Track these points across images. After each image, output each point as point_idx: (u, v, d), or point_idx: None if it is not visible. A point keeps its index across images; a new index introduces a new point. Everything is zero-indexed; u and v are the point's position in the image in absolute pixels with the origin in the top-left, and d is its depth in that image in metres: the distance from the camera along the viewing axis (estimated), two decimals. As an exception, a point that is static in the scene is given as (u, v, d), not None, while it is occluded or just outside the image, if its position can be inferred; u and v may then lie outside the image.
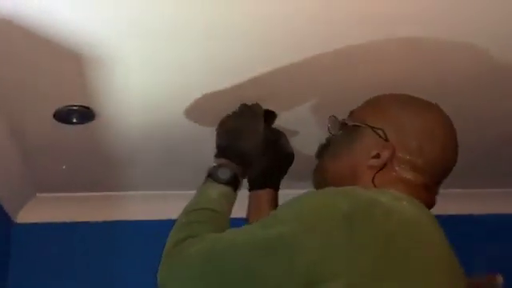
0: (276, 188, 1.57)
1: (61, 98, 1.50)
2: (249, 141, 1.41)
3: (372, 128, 1.25)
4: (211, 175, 1.33)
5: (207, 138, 1.44)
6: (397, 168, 1.21)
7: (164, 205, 2.09)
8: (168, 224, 2.06)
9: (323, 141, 1.38)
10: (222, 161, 1.36)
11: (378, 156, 1.22)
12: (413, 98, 1.30)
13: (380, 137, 1.24)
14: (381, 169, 1.21)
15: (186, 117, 1.60)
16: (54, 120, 1.56)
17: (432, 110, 1.27)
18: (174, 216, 2.02)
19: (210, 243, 1.14)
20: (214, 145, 1.43)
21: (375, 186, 1.20)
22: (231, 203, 1.33)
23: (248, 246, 1.09)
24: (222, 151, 1.39)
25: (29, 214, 2.12)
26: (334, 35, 1.30)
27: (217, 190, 1.31)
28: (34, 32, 1.21)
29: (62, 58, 1.32)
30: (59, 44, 1.26)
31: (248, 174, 1.41)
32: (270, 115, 1.57)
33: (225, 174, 1.33)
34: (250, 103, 1.48)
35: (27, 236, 2.11)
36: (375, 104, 1.32)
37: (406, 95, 1.31)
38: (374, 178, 1.21)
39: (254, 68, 1.41)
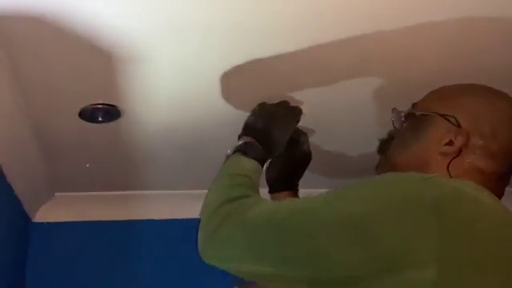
0: (295, 189, 1.57)
1: (87, 97, 1.48)
2: (280, 133, 1.42)
3: (443, 116, 1.23)
4: (241, 150, 1.34)
5: (228, 138, 1.43)
6: (471, 155, 1.19)
7: (183, 204, 2.09)
8: (187, 223, 2.08)
9: (384, 136, 1.37)
10: (251, 139, 1.36)
11: (451, 143, 1.20)
12: (481, 86, 1.28)
13: (452, 124, 1.22)
14: (455, 157, 1.19)
15: (209, 117, 1.60)
16: (79, 119, 1.54)
17: (503, 97, 1.26)
18: (192, 215, 2.04)
19: (275, 207, 1.13)
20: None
21: (450, 175, 1.17)
22: (259, 177, 1.33)
23: (327, 220, 1.05)
24: (253, 131, 1.39)
25: (47, 213, 2.11)
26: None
27: (250, 163, 1.32)
28: (64, 29, 1.19)
29: (91, 56, 1.30)
30: (89, 41, 1.24)
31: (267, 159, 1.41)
32: None
33: (256, 150, 1.34)
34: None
35: (45, 235, 2.10)
36: (442, 93, 1.30)
37: (473, 84, 1.28)
38: (448, 167, 1.18)
39: (282, 67, 1.40)
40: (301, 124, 1.53)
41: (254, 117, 1.43)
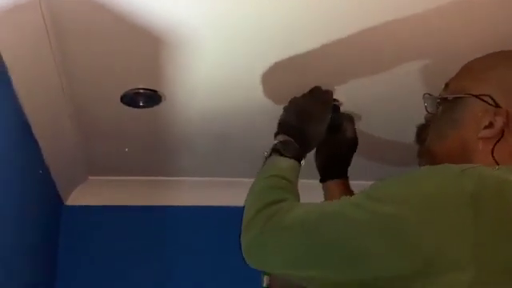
0: (344, 177, 1.54)
1: (129, 81, 1.48)
2: (315, 127, 1.40)
3: (476, 96, 1.14)
4: (278, 150, 1.33)
5: (264, 128, 1.43)
6: None
7: (217, 191, 2.10)
8: (219, 211, 2.10)
9: (421, 122, 1.29)
10: (286, 137, 1.36)
11: (490, 125, 1.11)
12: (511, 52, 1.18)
13: (488, 104, 1.12)
14: (499, 140, 1.09)
15: (248, 106, 1.60)
16: (120, 103, 1.54)
17: None
18: (225, 203, 2.06)
19: (311, 210, 1.11)
20: (276, 126, 1.41)
21: (496, 161, 1.07)
22: (298, 176, 1.33)
23: (362, 221, 1.00)
24: (287, 129, 1.38)
25: (79, 197, 2.12)
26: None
27: (287, 162, 1.31)
28: (112, 11, 1.19)
29: (137, 40, 1.30)
30: (136, 25, 1.24)
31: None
32: (334, 106, 1.56)
33: (292, 149, 1.33)
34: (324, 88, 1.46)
35: (77, 218, 2.11)
36: (472, 69, 1.21)
37: (502, 51, 1.19)
38: (493, 153, 1.08)
39: (324, 59, 1.38)
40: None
41: (286, 114, 1.42)
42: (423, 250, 0.92)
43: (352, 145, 1.55)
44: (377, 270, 0.97)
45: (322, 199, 1.51)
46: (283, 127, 1.40)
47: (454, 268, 0.90)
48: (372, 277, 0.99)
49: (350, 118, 1.55)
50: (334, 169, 1.54)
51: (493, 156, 1.09)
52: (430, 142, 1.23)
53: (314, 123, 1.40)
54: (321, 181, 1.54)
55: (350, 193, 1.49)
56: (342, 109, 1.58)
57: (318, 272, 1.06)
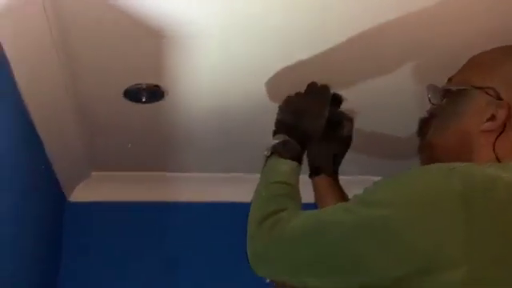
0: (334, 175, 1.54)
1: (132, 76, 1.48)
2: (312, 123, 1.39)
3: (480, 88, 1.14)
4: (277, 151, 1.33)
5: (267, 124, 1.43)
6: None
7: (219, 187, 2.09)
8: (222, 207, 2.10)
9: (424, 115, 1.29)
10: (285, 137, 1.35)
11: (493, 118, 1.10)
12: None
13: (491, 96, 1.12)
14: (500, 133, 1.09)
15: (249, 103, 1.60)
16: (123, 98, 1.54)
17: None
18: (227, 199, 2.06)
19: (307, 220, 1.11)
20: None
21: (497, 155, 1.08)
22: (298, 177, 1.33)
23: (354, 227, 1.02)
24: (285, 129, 1.38)
25: (82, 193, 2.11)
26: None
27: (286, 165, 1.31)
28: (115, 6, 1.19)
29: (140, 35, 1.30)
30: (140, 20, 1.24)
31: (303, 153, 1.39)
32: (336, 99, 1.55)
33: (291, 149, 1.33)
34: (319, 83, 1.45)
35: (80, 215, 2.10)
36: (477, 63, 1.21)
37: (507, 46, 1.19)
38: (494, 147, 1.08)
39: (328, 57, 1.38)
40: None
41: (282, 113, 1.42)
42: (417, 251, 0.93)
43: (347, 143, 1.55)
44: (374, 273, 0.98)
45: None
46: (281, 127, 1.40)
47: (447, 266, 0.91)
48: (370, 281, 1.00)
49: (349, 118, 1.55)
50: (326, 165, 1.53)
51: (494, 149, 1.09)
52: (432, 134, 1.23)
53: (310, 118, 1.39)
54: (310, 176, 1.54)
55: (340, 189, 1.51)
56: (342, 106, 1.58)
57: (320, 280, 1.08)
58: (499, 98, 1.12)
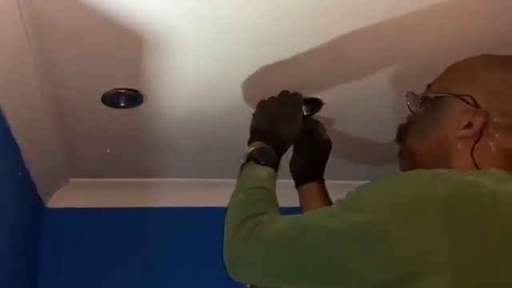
0: (320, 180, 1.55)
1: (110, 81, 1.46)
2: (287, 128, 1.40)
3: (458, 96, 1.15)
4: (254, 158, 1.33)
5: (246, 129, 1.43)
6: (496, 135, 1.10)
7: (199, 192, 2.09)
8: (203, 212, 2.09)
9: (403, 121, 1.29)
10: (261, 144, 1.35)
11: (470, 125, 1.12)
12: (494, 56, 1.19)
13: (469, 104, 1.13)
14: (477, 140, 1.11)
15: (230, 107, 1.59)
16: (101, 103, 1.53)
17: None
18: (209, 204, 2.05)
19: (290, 223, 1.11)
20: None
21: (475, 161, 1.09)
22: (275, 183, 1.33)
23: (337, 231, 1.01)
24: (260, 135, 1.38)
25: (61, 199, 2.10)
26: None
27: (264, 171, 1.31)
28: (94, 10, 1.17)
29: (119, 39, 1.28)
30: (119, 25, 1.22)
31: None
32: (315, 103, 1.56)
33: (267, 156, 1.33)
34: (291, 91, 1.46)
35: (59, 221, 2.08)
36: (455, 70, 1.22)
37: (485, 55, 1.20)
38: (472, 153, 1.10)
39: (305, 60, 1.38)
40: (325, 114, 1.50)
41: (256, 119, 1.43)
42: (401, 257, 0.93)
43: (327, 147, 1.56)
44: (357, 279, 0.98)
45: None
46: (256, 134, 1.40)
47: (432, 273, 0.91)
48: (352, 287, 1.00)
49: (319, 124, 1.57)
50: (311, 171, 1.54)
51: (472, 156, 1.10)
52: (411, 141, 1.24)
53: (285, 124, 1.40)
54: (297, 185, 1.55)
55: (326, 195, 1.52)
56: (323, 109, 1.58)
57: (300, 286, 1.07)
58: (477, 106, 1.13)
